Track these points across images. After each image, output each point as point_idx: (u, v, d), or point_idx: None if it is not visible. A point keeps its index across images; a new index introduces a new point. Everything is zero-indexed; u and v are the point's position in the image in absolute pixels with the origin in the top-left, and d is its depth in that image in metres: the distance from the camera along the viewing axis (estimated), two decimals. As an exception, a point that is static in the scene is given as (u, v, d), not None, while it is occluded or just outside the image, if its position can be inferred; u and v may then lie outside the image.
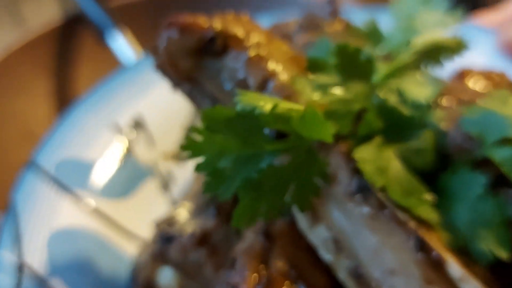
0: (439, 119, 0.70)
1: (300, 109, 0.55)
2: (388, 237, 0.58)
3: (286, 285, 0.60)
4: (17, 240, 0.81)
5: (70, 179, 0.95)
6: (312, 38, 0.93)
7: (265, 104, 0.54)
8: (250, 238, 0.66)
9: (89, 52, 1.38)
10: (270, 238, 0.65)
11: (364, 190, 0.59)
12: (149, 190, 1.03)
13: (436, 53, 0.79)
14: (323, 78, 0.64)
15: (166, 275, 0.76)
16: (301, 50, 0.92)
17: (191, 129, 0.58)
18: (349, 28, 0.94)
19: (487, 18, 1.27)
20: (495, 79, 0.94)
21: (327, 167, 0.62)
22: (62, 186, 0.93)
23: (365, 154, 0.60)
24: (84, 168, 0.99)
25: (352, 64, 0.64)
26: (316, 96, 0.61)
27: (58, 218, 0.88)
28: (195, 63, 0.69)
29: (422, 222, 0.60)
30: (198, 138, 0.58)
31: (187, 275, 0.73)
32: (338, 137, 0.63)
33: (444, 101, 0.74)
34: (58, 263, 0.82)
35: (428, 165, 0.67)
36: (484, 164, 0.65)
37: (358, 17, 0.97)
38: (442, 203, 0.66)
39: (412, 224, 0.58)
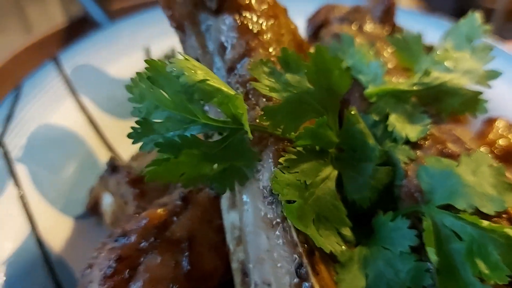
0: (406, 158, 0.65)
1: (229, 94, 0.53)
2: (276, 249, 0.56)
3: (169, 251, 0.60)
4: (7, 120, 0.89)
5: (81, 85, 1.01)
6: (344, 31, 0.88)
7: (195, 75, 0.53)
8: (172, 196, 0.67)
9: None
10: (186, 203, 0.65)
11: (276, 197, 0.57)
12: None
13: (447, 99, 0.72)
14: (290, 76, 0.60)
15: (107, 200, 0.80)
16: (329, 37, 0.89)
17: (138, 74, 0.59)
18: (392, 36, 0.88)
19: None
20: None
21: (257, 161, 0.60)
22: (71, 88, 1.00)
23: (285, 173, 0.57)
24: (99, 80, 1.04)
25: (323, 73, 0.59)
26: (267, 89, 0.58)
27: (53, 115, 0.95)
28: (190, 12, 0.69)
29: (321, 252, 0.57)
30: (141, 84, 0.59)
31: (117, 206, 0.76)
32: (281, 138, 0.61)
33: (427, 144, 0.67)
34: (31, 154, 0.89)
35: (365, 201, 0.63)
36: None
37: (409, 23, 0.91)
38: (366, 243, 0.62)
39: (300, 249, 0.55)
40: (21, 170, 0.86)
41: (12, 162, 0.86)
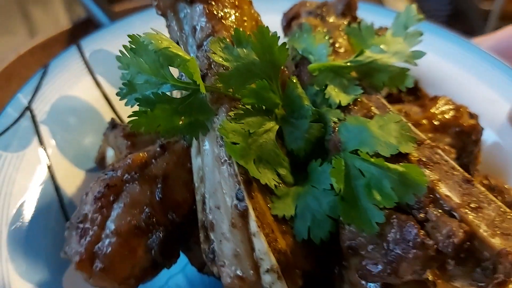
0: (336, 118, 0.81)
1: (185, 58, 0.72)
2: (224, 180, 0.74)
3: (146, 183, 0.79)
4: (35, 90, 1.10)
5: (97, 66, 1.22)
6: (309, 21, 1.05)
7: (160, 44, 0.72)
8: (154, 146, 0.86)
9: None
10: (163, 149, 0.84)
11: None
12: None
13: (377, 74, 0.88)
14: (240, 50, 0.78)
15: (110, 153, 1.00)
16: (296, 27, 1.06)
17: (124, 46, 0.78)
18: (351, 26, 1.04)
19: (485, 42, 1.26)
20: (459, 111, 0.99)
21: (214, 115, 0.78)
22: (89, 69, 1.20)
23: (232, 121, 0.75)
24: (113, 62, 1.24)
25: (266, 48, 0.77)
26: (221, 59, 0.76)
27: (73, 88, 1.16)
28: (171, 3, 0.88)
29: (258, 184, 0.74)
30: (127, 55, 0.78)
31: (117, 158, 0.96)
32: (234, 98, 0.79)
33: (356, 108, 0.83)
34: (53, 118, 1.10)
35: (301, 151, 0.80)
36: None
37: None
38: (301, 184, 0.79)
39: (239, 178, 0.72)
40: (44, 130, 1.07)
41: (37, 124, 1.07)
